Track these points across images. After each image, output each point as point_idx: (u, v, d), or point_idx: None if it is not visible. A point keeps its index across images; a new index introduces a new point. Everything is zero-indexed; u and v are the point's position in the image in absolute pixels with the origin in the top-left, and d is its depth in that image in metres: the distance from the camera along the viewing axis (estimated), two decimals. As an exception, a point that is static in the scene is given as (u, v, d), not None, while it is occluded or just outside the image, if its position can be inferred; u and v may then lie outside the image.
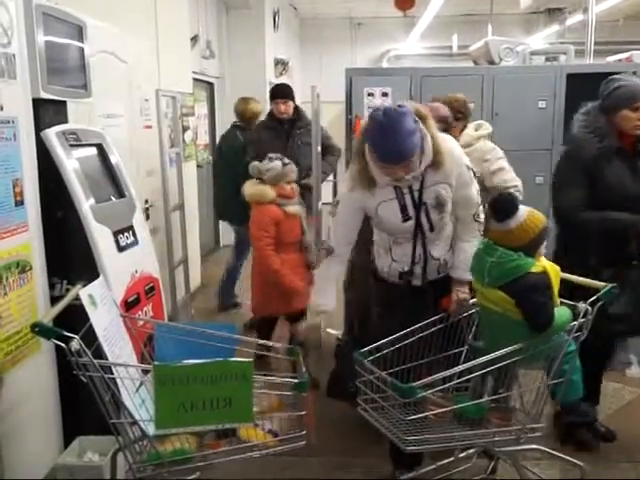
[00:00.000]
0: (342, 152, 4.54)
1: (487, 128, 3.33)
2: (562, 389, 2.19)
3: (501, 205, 2.20)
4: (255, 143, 4.39)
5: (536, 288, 2.11)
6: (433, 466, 2.28)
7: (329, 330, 4.47)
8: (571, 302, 2.19)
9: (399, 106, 2.17)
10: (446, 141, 2.35)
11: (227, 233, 7.23)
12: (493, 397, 2.17)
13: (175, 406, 1.87)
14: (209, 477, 2.28)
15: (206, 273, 6.16)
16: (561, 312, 2.15)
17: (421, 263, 2.46)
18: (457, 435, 2.13)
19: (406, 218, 2.37)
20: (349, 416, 3.14)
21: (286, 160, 3.49)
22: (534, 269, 2.13)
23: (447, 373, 2.08)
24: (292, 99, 4.41)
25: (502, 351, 2.07)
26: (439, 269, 2.50)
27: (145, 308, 2.83)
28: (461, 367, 2.10)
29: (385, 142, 2.16)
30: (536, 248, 2.19)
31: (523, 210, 2.20)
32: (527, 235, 2.16)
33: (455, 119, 3.23)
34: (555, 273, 2.18)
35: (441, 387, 2.07)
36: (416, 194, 2.35)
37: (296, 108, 4.43)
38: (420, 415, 2.10)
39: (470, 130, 3.34)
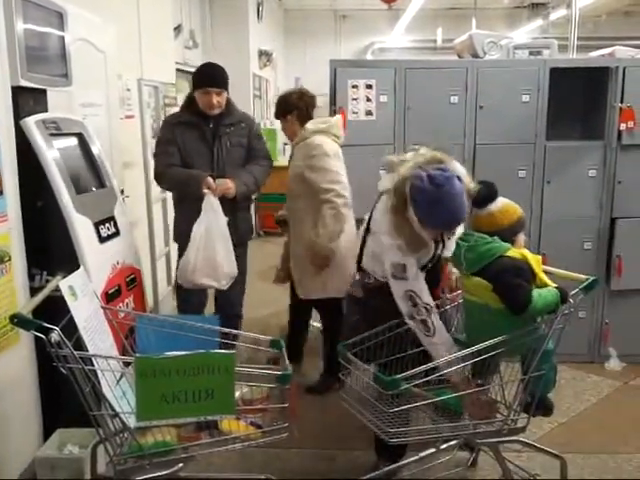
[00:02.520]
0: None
1: (326, 123, 3.24)
2: (540, 385, 2.22)
3: (481, 191, 2.24)
4: (171, 145, 3.24)
5: (510, 270, 2.12)
6: (415, 457, 2.30)
7: (313, 323, 4.44)
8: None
9: (442, 170, 2.13)
10: None
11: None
12: (474, 390, 2.19)
13: (156, 398, 1.86)
14: (191, 469, 2.28)
15: None
16: (545, 292, 2.14)
17: None
18: (439, 427, 2.15)
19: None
20: (332, 408, 3.18)
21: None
22: (510, 253, 2.15)
23: (429, 366, 2.09)
24: (227, 89, 3.28)
25: (483, 344, 2.08)
26: None
27: (126, 300, 2.82)
28: (442, 360, 2.11)
29: (449, 211, 2.13)
30: (513, 234, 2.23)
31: (501, 199, 2.29)
32: (505, 219, 2.23)
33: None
34: (536, 261, 2.19)
35: (423, 380, 2.09)
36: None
37: (227, 100, 3.29)
38: (403, 407, 2.11)
39: (310, 124, 3.26)
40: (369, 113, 3.68)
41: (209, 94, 3.20)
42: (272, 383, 2.01)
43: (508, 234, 2.24)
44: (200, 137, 3.23)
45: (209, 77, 3.25)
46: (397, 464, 2.47)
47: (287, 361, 2.12)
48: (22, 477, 2.45)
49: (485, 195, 2.26)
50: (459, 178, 2.13)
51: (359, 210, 3.64)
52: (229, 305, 3.46)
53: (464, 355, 2.11)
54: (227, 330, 2.37)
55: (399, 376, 2.01)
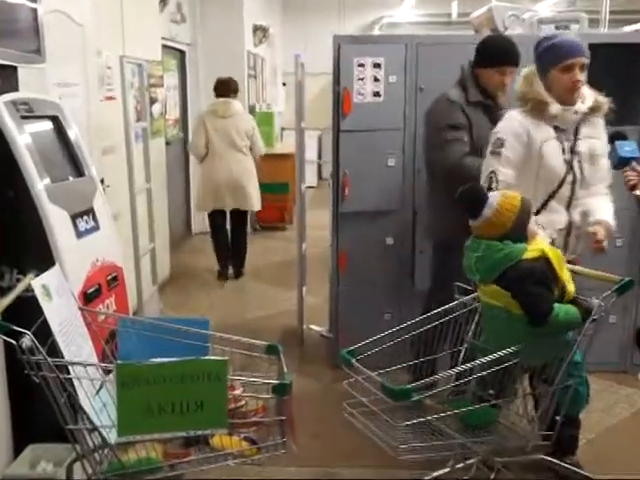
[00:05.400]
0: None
1: None
2: (567, 399, 2.21)
3: (468, 199, 2.25)
4: (463, 130, 3.15)
5: (530, 276, 2.11)
6: (428, 477, 2.29)
7: (312, 326, 4.52)
8: (583, 297, 2.19)
9: None
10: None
11: (200, 220, 7.21)
12: (495, 402, 2.18)
13: (140, 410, 1.85)
14: None
15: (176, 264, 6.14)
16: (565, 308, 2.15)
17: (568, 229, 2.66)
18: (456, 443, 2.14)
19: (565, 161, 2.63)
20: (333, 421, 3.17)
21: None
22: (528, 255, 2.14)
23: (447, 374, 2.08)
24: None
25: (505, 351, 2.07)
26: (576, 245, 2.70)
27: (107, 301, 2.80)
28: (460, 368, 2.10)
29: (566, 38, 2.66)
30: (522, 230, 2.21)
31: (494, 196, 2.24)
32: (507, 218, 2.19)
33: None
34: (556, 256, 2.18)
35: (440, 389, 2.08)
36: (570, 142, 2.64)
37: None
38: (415, 421, 2.09)
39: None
40: (377, 95, 3.67)
41: (504, 73, 3.13)
42: (268, 393, 1.99)
43: (518, 232, 2.21)
44: (491, 121, 3.05)
45: (507, 53, 3.15)
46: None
47: (286, 369, 2.10)
48: None
49: (473, 204, 2.24)
50: None
51: (373, 202, 3.70)
52: None
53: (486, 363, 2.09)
54: (219, 334, 2.35)
55: (410, 386, 2.00)
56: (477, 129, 3.13)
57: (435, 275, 3.37)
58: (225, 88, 5.84)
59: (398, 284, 3.82)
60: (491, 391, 2.21)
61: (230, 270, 6.12)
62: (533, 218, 2.31)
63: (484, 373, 2.13)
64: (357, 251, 3.79)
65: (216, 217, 5.99)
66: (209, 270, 6.20)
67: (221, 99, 5.82)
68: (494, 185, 2.54)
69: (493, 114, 3.10)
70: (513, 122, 2.65)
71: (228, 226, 6.12)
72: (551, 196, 2.63)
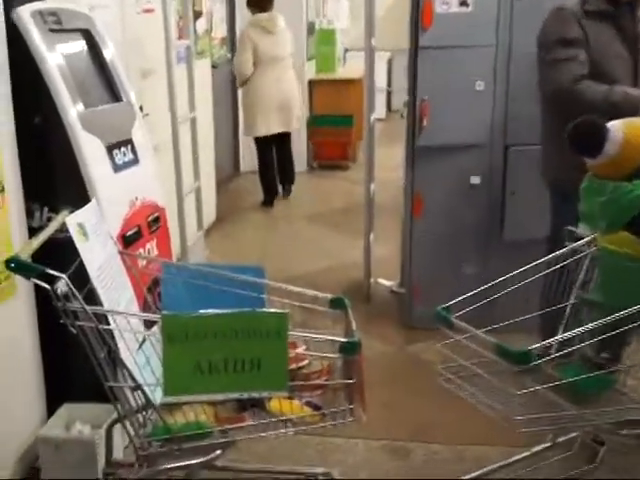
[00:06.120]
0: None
1: None
2: None
3: (584, 134, 2.18)
4: (580, 47, 2.95)
5: None
6: (526, 453, 2.29)
7: (380, 280, 4.54)
8: None
9: None
10: None
11: (250, 156, 7.23)
12: (616, 367, 2.15)
13: (189, 368, 1.88)
14: (230, 458, 2.32)
15: (223, 206, 6.21)
16: None
17: None
18: (579, 414, 2.12)
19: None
20: (404, 390, 3.22)
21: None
22: None
23: (569, 334, 2.04)
24: None
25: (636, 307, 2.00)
26: None
27: (148, 245, 2.84)
28: (584, 328, 2.04)
29: None
30: None
31: (616, 127, 2.16)
32: (636, 150, 2.13)
33: None
34: None
35: (562, 352, 2.06)
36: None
37: None
38: (532, 389, 2.05)
39: None
40: (464, 4, 3.56)
41: None
42: (335, 352, 2.00)
43: None
44: (618, 34, 2.93)
45: None
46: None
47: (354, 325, 2.11)
48: (22, 460, 2.55)
49: (591, 140, 2.17)
50: None
51: (457, 134, 3.64)
52: None
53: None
54: (276, 284, 2.36)
55: (532, 347, 1.96)
56: (598, 46, 2.93)
57: (552, 224, 3.27)
58: (267, 1, 6.20)
59: (484, 232, 3.78)
60: (605, 354, 2.18)
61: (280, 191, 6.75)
62: None
63: (605, 335, 2.06)
64: (436, 192, 3.75)
65: (265, 141, 6.47)
66: (262, 213, 6.31)
67: (264, 14, 6.18)
68: None
69: (623, 26, 2.94)
70: None
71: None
72: None
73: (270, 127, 6.38)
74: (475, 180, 3.72)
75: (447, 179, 3.74)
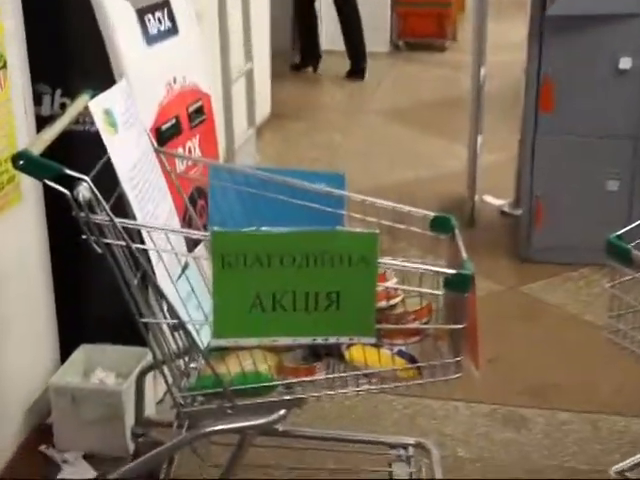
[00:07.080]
0: None
1: None
2: None
3: None
4: None
5: None
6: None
7: (486, 198, 4.55)
8: None
9: None
10: None
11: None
12: None
13: (246, 303, 1.86)
14: (296, 420, 2.33)
15: (280, 99, 6.23)
16: None
17: None
18: None
19: None
20: (518, 342, 3.26)
21: None
22: None
23: None
24: None
25: None
26: None
27: (189, 143, 2.86)
28: None
29: None
30: None
31: None
32: None
33: None
34: None
35: None
36: None
37: None
38: None
39: None
40: None
41: None
42: (438, 288, 1.96)
43: None
44: None
45: None
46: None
47: (465, 254, 2.05)
48: (28, 415, 2.60)
49: None
50: None
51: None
52: None
53: None
54: (359, 197, 2.29)
55: None
56: None
57: None
58: None
59: (636, 135, 3.68)
60: None
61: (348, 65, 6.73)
62: None
63: None
64: (571, 80, 3.70)
65: None
66: (328, 108, 6.35)
67: None
68: None
69: None
70: None
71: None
72: None
73: None
74: (625, 64, 3.63)
75: (588, 60, 3.68)
